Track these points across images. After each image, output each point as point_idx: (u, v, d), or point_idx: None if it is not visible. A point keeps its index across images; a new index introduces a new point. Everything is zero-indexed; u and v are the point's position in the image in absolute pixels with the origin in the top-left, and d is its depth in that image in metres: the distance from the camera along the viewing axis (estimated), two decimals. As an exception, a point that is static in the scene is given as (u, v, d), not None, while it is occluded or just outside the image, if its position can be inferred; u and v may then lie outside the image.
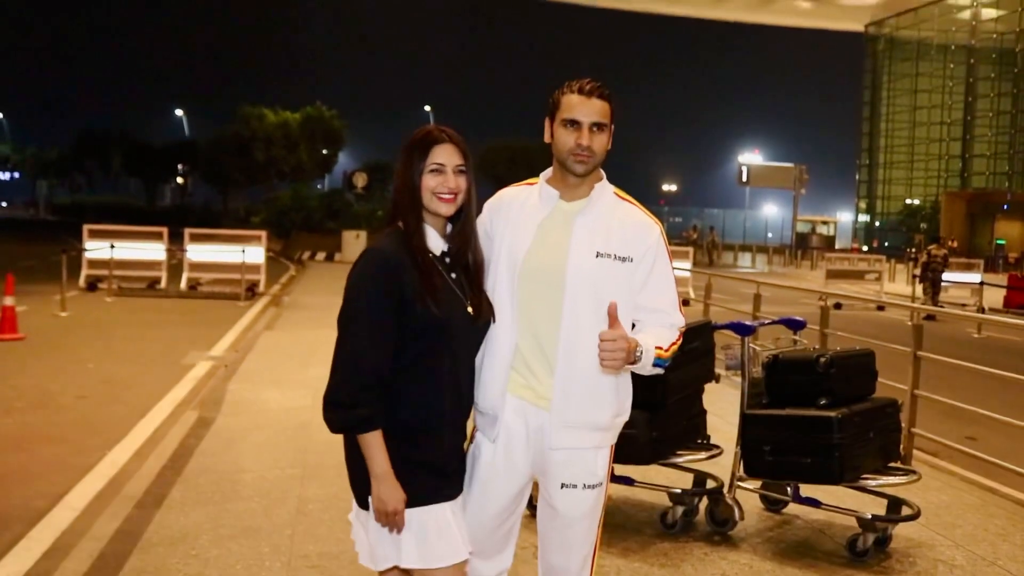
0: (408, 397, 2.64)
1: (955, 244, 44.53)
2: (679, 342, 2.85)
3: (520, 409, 2.79)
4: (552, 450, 2.79)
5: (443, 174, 2.67)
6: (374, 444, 2.58)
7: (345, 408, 2.55)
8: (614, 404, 2.84)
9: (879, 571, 4.56)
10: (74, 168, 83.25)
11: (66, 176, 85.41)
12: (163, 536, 4.76)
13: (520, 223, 2.82)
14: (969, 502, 5.80)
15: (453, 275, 2.72)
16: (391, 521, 2.61)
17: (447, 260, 2.74)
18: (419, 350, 2.63)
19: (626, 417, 2.94)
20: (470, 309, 2.71)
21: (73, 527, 5.11)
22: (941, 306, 19.58)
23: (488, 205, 2.96)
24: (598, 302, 2.71)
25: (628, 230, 2.81)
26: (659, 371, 2.75)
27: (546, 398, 2.76)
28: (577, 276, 2.74)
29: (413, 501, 2.62)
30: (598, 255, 2.75)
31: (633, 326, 2.83)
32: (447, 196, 2.68)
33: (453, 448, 2.76)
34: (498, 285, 2.80)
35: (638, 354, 2.64)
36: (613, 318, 2.60)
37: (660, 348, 2.72)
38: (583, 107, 2.73)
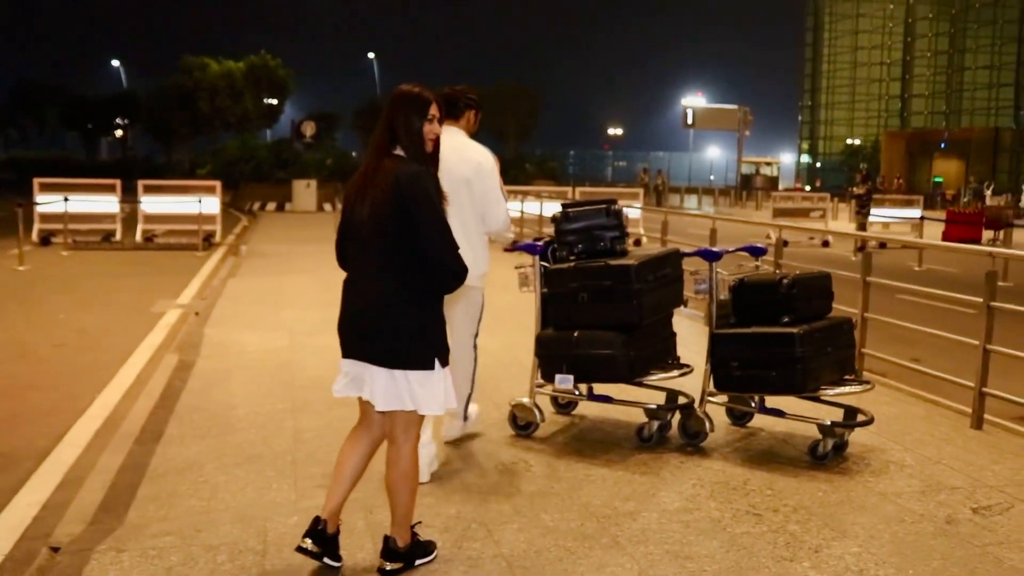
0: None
1: (901, 181, 45.85)
2: None
3: None
4: None
5: (432, 123, 3.66)
6: None
7: (464, 268, 3.56)
8: None
9: (838, 472, 5.00)
10: (7, 123, 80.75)
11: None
12: (169, 467, 5.00)
13: None
14: (916, 413, 6.28)
15: None
16: None
17: None
18: None
19: None
20: None
21: (80, 462, 5.35)
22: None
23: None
24: None
25: None
26: None
27: None
28: None
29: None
30: None
31: None
32: (433, 138, 3.68)
33: None
34: None
35: None
36: None
37: None
38: None
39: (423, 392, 3.54)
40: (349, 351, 3.65)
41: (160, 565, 3.76)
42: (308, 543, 3.67)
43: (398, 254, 3.52)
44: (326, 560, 3.70)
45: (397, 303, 3.53)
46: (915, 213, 24.13)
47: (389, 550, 3.68)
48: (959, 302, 6.97)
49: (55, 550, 3.93)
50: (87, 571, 3.70)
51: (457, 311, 4.95)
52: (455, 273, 3.55)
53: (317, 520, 3.69)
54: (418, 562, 3.74)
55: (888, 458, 5.25)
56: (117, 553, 3.86)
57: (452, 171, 4.54)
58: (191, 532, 4.09)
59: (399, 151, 3.60)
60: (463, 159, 4.87)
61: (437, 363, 3.57)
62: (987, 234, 23.79)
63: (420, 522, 3.88)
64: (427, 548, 3.81)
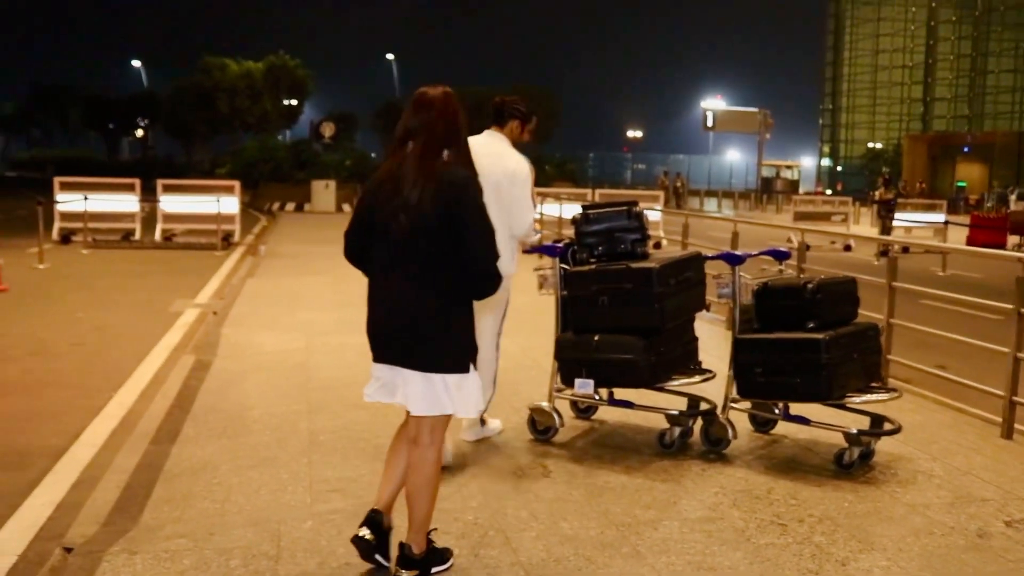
0: None
1: (924, 185, 45.56)
2: None
3: None
4: None
5: None
6: None
7: (500, 276, 3.56)
8: None
9: (864, 482, 4.88)
10: (30, 122, 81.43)
11: (22, 131, 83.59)
12: (184, 468, 4.95)
13: None
14: (942, 421, 6.15)
15: None
16: None
17: None
18: None
19: None
20: None
21: (95, 461, 5.31)
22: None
23: None
24: None
25: None
26: None
27: None
28: None
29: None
30: None
31: None
32: None
33: None
34: None
35: None
36: None
37: None
38: None
39: (460, 395, 3.54)
40: (381, 356, 3.58)
41: (172, 568, 3.70)
42: (365, 531, 3.64)
43: (437, 258, 3.44)
44: (377, 557, 3.66)
45: (434, 307, 3.46)
46: (938, 218, 23.90)
47: (405, 557, 3.59)
48: (983, 308, 6.83)
49: (68, 551, 3.89)
50: (99, 573, 3.65)
51: (484, 314, 4.92)
52: (493, 282, 3.56)
53: (374, 511, 3.68)
54: (434, 570, 3.66)
55: (916, 468, 5.13)
56: (130, 555, 3.81)
57: (488, 175, 4.49)
58: (204, 535, 4.03)
59: (446, 155, 3.53)
60: (499, 165, 4.91)
61: (471, 366, 3.58)
62: (1012, 239, 23.51)
63: (436, 528, 3.79)
64: (444, 555, 3.73)
